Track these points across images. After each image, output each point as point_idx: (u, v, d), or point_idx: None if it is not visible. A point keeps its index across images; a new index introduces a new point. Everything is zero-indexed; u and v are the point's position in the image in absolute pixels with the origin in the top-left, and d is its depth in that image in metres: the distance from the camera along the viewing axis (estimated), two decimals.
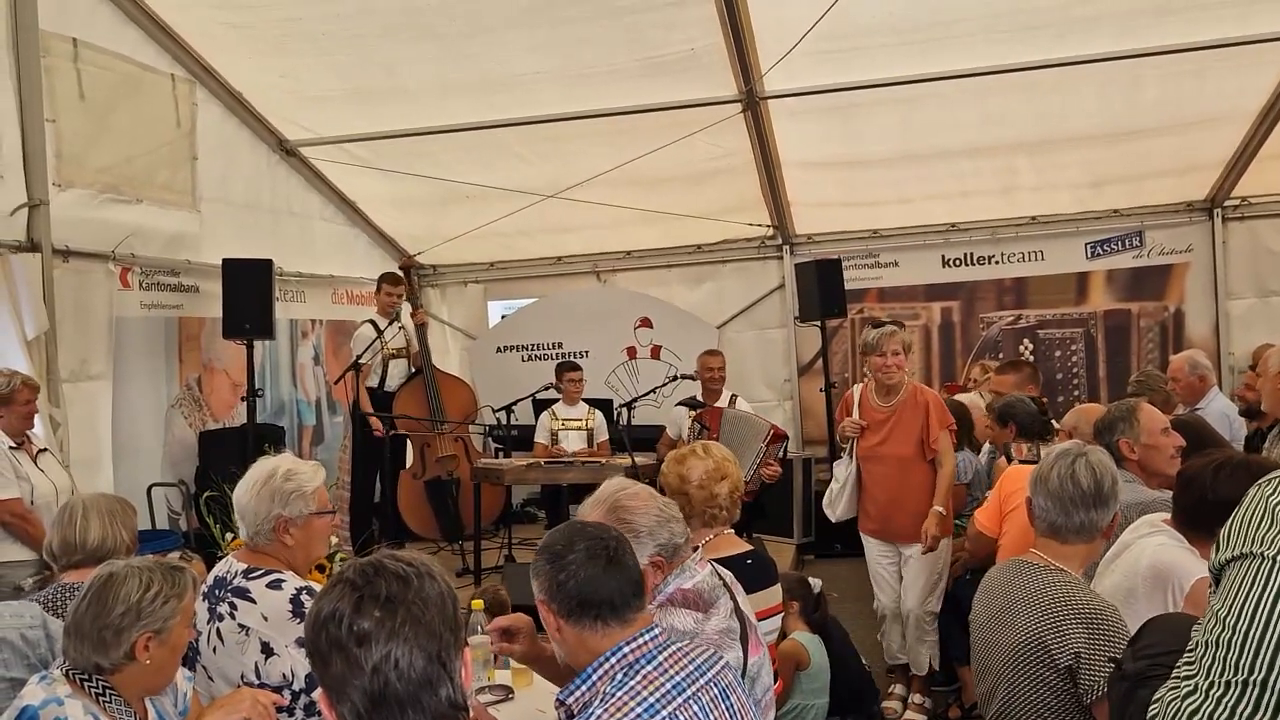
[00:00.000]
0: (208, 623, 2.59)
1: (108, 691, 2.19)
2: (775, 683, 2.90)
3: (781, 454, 5.90)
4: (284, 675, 2.50)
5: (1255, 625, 1.61)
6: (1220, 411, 5.38)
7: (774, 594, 2.99)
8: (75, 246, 5.14)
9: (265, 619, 2.52)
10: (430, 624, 1.44)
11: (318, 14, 5.54)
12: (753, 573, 2.91)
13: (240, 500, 2.65)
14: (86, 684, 2.18)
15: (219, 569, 2.68)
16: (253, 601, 2.54)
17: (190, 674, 2.54)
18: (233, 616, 2.54)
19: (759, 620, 2.72)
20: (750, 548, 3.03)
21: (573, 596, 1.93)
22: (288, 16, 5.56)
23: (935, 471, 4.53)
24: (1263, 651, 1.58)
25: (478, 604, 3.17)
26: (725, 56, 5.89)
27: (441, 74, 6.11)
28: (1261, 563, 1.64)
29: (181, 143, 5.94)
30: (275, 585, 2.56)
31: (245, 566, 2.62)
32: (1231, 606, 1.67)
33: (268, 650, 2.51)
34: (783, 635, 3.91)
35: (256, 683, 2.50)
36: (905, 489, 4.57)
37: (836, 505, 4.83)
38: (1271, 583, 1.61)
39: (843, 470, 4.78)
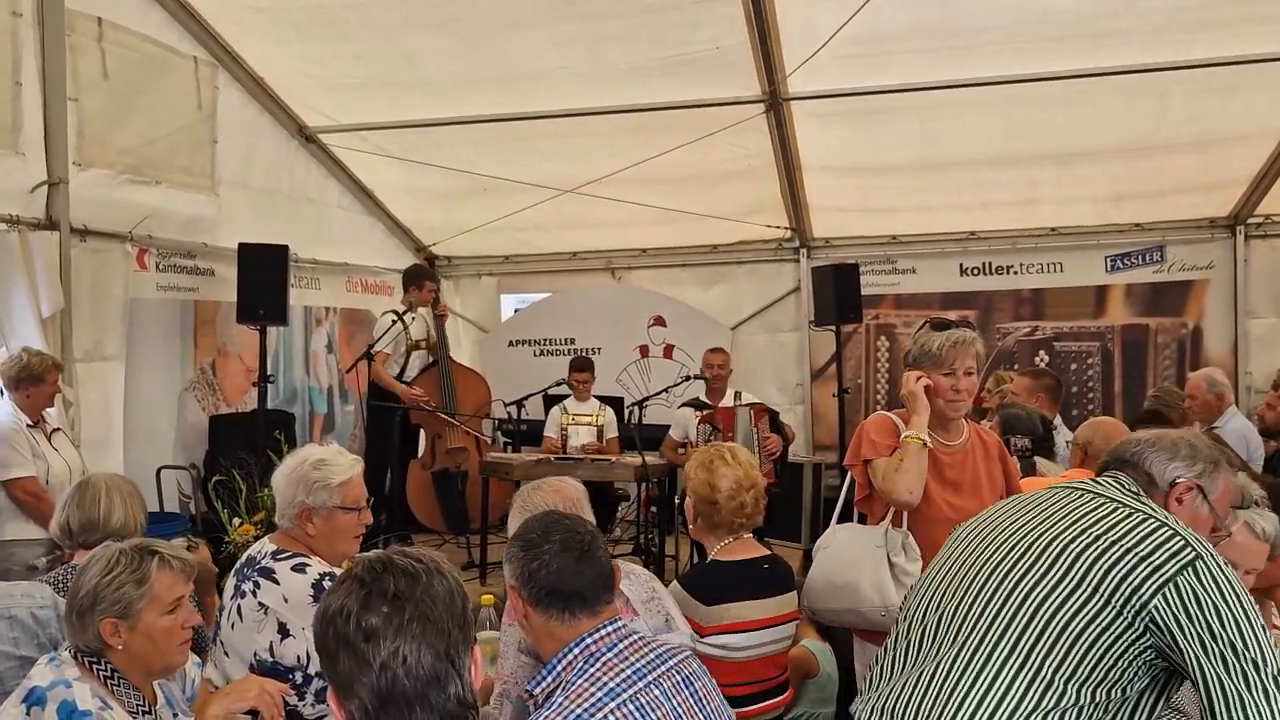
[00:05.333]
0: (231, 598, 2.62)
1: (115, 674, 2.17)
2: (784, 693, 2.89)
3: (770, 425, 6.06)
4: (298, 658, 2.53)
5: None
6: (1238, 431, 5.34)
7: (790, 600, 2.97)
8: (93, 226, 5.13)
9: (286, 600, 2.55)
10: (439, 621, 1.42)
11: (342, 1, 5.52)
12: (769, 578, 2.91)
13: (275, 481, 2.71)
14: (95, 666, 2.17)
15: (253, 549, 2.73)
16: (276, 582, 2.58)
17: (199, 661, 2.55)
18: (255, 594, 2.57)
19: (774, 625, 2.71)
20: (768, 552, 3.03)
21: (543, 586, 1.96)
22: (312, 3, 5.54)
23: None
24: None
25: (487, 599, 3.15)
26: (750, 56, 5.84)
27: (463, 66, 6.08)
28: None
29: (202, 126, 5.93)
30: (300, 569, 2.60)
31: (275, 548, 2.66)
32: None
33: (284, 631, 2.54)
34: (794, 642, 3.89)
35: (269, 661, 2.52)
36: None
37: None
38: None
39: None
